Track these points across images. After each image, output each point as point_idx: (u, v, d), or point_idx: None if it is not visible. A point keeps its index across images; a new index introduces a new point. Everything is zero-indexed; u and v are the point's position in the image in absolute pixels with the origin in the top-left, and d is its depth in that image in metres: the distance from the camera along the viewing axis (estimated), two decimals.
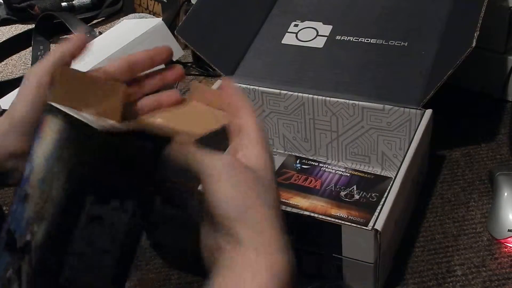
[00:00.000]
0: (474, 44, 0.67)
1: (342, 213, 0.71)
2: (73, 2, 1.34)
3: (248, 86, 0.81)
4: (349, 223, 0.58)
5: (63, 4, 1.33)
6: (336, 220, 0.60)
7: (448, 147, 0.83)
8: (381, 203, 0.72)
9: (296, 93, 0.78)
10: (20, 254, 0.43)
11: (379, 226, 0.56)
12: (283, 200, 0.74)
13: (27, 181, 0.44)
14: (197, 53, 0.83)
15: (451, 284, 0.64)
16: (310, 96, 0.78)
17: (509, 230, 0.68)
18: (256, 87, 0.81)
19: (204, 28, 0.83)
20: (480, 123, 0.87)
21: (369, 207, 0.72)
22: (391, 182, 0.62)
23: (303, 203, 0.74)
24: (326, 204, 0.73)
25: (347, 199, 0.74)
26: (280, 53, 0.85)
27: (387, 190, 0.66)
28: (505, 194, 0.70)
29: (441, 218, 0.72)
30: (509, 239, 0.68)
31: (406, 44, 0.80)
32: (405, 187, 0.64)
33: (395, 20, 0.84)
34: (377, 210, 0.71)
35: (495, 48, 0.88)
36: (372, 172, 0.78)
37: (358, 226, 0.58)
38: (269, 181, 0.43)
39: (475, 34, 0.68)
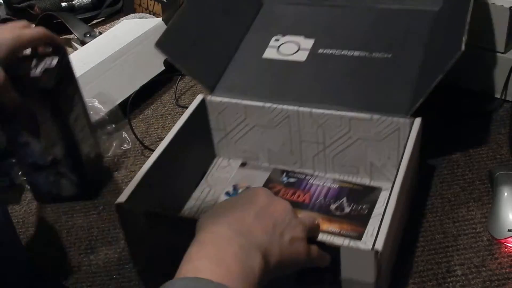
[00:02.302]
0: (463, 48, 0.66)
1: (334, 227, 0.71)
2: (73, 2, 1.34)
3: (231, 100, 0.79)
4: (348, 246, 0.56)
5: (63, 4, 1.33)
6: (335, 242, 0.59)
7: (448, 147, 0.83)
8: (373, 215, 0.72)
9: (280, 106, 0.76)
10: None
11: (379, 246, 0.55)
12: None
13: None
14: (176, 66, 0.79)
15: (451, 284, 0.64)
16: (295, 108, 0.76)
17: (509, 230, 0.68)
18: (239, 101, 0.78)
19: (183, 42, 0.81)
20: (480, 123, 0.87)
21: (361, 220, 0.71)
22: (380, 192, 0.60)
23: None
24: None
25: (338, 213, 0.73)
26: (262, 67, 0.83)
27: (378, 201, 0.65)
28: (505, 194, 0.70)
29: (441, 218, 0.73)
30: (509, 239, 0.68)
31: (390, 56, 0.79)
32: (400, 202, 0.63)
33: (377, 33, 0.84)
34: (369, 223, 0.71)
35: (495, 48, 0.88)
36: (361, 183, 0.77)
37: (358, 248, 0.57)
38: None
39: (463, 39, 0.67)
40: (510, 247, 0.67)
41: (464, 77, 0.90)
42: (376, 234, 0.57)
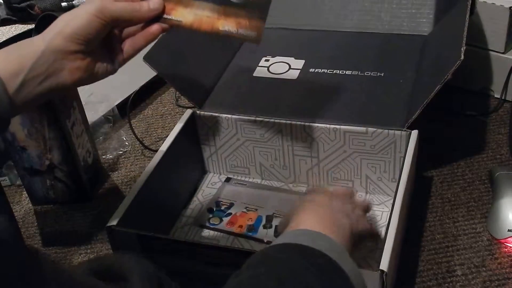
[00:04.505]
0: (462, 57, 0.65)
1: (230, 25, 0.57)
2: (73, 2, 1.34)
3: (221, 114, 0.77)
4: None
5: (63, 4, 1.33)
6: None
7: (448, 147, 0.83)
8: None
9: (273, 120, 0.75)
10: None
11: (384, 267, 0.54)
12: (166, 17, 0.57)
13: None
14: (166, 80, 0.78)
15: (451, 284, 0.64)
16: (288, 122, 0.74)
17: (509, 230, 0.68)
18: (229, 115, 0.76)
19: (172, 58, 0.79)
20: (480, 123, 0.87)
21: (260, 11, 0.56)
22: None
23: (187, 17, 0.57)
24: (212, 14, 0.57)
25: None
26: (253, 84, 0.82)
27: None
28: (505, 194, 0.70)
29: (441, 218, 0.73)
30: (509, 239, 0.68)
31: (382, 75, 0.79)
32: (401, 219, 0.62)
33: (367, 55, 0.84)
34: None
35: (495, 48, 0.88)
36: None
37: (364, 269, 0.55)
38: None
39: (462, 49, 0.66)
40: (510, 247, 0.68)
41: (464, 77, 0.90)
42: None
